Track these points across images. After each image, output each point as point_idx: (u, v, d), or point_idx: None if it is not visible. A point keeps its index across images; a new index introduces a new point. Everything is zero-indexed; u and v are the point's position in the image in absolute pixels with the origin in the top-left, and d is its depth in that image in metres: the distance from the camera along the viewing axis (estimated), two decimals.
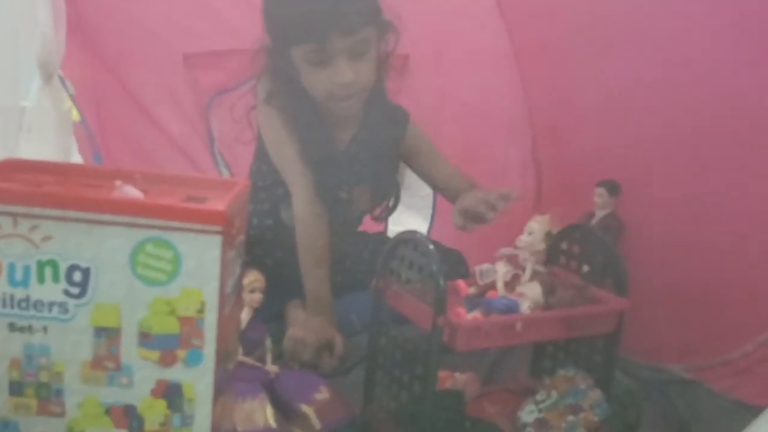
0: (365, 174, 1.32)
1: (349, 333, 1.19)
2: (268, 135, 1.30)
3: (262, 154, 1.32)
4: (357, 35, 1.15)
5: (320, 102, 1.23)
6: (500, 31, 1.55)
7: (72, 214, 0.67)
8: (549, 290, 0.90)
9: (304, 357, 1.11)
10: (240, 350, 0.96)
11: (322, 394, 0.98)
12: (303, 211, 1.23)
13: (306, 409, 0.95)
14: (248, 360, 1.00)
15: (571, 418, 0.88)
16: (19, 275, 0.68)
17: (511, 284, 0.94)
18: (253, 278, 1.00)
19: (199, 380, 0.71)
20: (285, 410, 0.95)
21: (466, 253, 1.45)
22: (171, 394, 0.71)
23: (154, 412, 0.71)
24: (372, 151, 1.31)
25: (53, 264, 0.68)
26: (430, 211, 1.80)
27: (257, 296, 1.01)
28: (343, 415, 0.95)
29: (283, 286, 1.25)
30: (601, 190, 1.34)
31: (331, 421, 0.93)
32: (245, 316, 1.00)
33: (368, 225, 1.49)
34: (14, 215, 0.67)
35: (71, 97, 1.58)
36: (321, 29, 1.14)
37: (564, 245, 1.00)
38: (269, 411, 0.92)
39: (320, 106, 1.25)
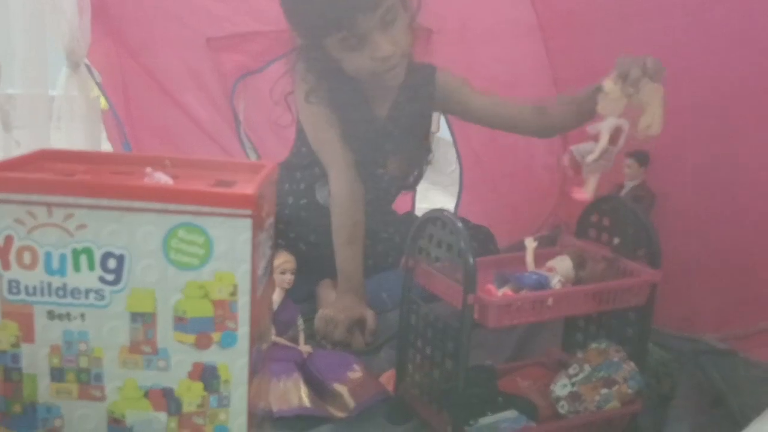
0: (401, 144, 1.33)
1: (380, 311, 1.20)
2: (308, 125, 1.31)
3: (302, 136, 1.34)
4: (382, 6, 1.14)
5: (363, 81, 1.23)
6: (524, 3, 1.53)
7: (105, 202, 0.68)
8: (579, 264, 0.90)
9: (335, 335, 1.12)
10: (273, 331, 0.97)
11: (356, 373, 0.99)
12: (342, 190, 1.24)
13: (339, 387, 0.96)
14: (281, 340, 1.01)
15: (604, 390, 0.88)
16: (55, 264, 0.69)
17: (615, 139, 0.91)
18: (284, 259, 1.01)
19: (234, 362, 0.72)
20: (318, 389, 0.97)
21: (493, 229, 1.44)
22: (207, 376, 0.72)
23: (192, 394, 0.72)
24: (407, 120, 1.32)
25: (88, 252, 0.69)
26: (456, 188, 1.79)
27: (288, 277, 1.02)
28: (376, 394, 0.96)
29: (314, 266, 1.27)
30: (630, 161, 1.33)
31: (364, 400, 0.94)
32: (277, 297, 1.01)
33: (396, 205, 1.49)
34: (49, 205, 0.68)
35: (98, 85, 1.60)
36: (345, 15, 1.13)
37: (594, 218, 0.99)
38: (304, 390, 0.94)
39: (360, 85, 1.25)
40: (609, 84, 0.92)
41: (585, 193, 0.91)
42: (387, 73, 1.21)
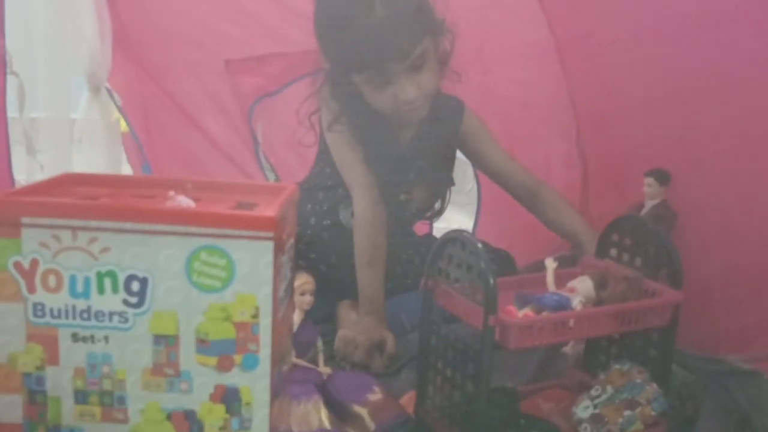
0: (425, 172, 1.33)
1: (400, 333, 1.20)
2: (333, 146, 1.31)
3: (325, 156, 1.34)
4: (413, 55, 1.14)
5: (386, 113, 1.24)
6: (541, 24, 1.53)
7: (129, 225, 0.69)
8: (601, 284, 0.89)
9: (355, 357, 1.12)
10: (293, 352, 0.97)
11: (376, 395, 0.98)
12: (365, 212, 1.24)
13: (359, 409, 0.96)
14: (301, 362, 1.01)
15: (627, 412, 0.87)
16: (80, 287, 0.70)
17: None
18: (303, 281, 1.01)
19: (255, 384, 0.72)
20: (338, 411, 0.96)
21: (512, 249, 1.44)
22: (229, 398, 0.72)
23: (214, 416, 0.72)
24: (432, 148, 1.32)
25: (112, 275, 0.70)
26: (474, 207, 1.79)
27: (307, 299, 1.02)
28: (397, 416, 0.95)
29: (334, 287, 1.27)
30: (650, 180, 1.32)
31: (384, 422, 0.94)
32: (296, 318, 1.01)
33: (416, 227, 1.49)
34: (73, 228, 0.69)
35: (119, 108, 1.62)
36: (374, 59, 1.14)
37: (614, 237, 0.99)
38: (324, 413, 0.93)
39: (384, 114, 1.25)
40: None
41: None
42: (409, 114, 1.22)
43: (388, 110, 1.22)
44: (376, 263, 1.21)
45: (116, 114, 1.65)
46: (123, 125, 1.68)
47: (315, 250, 1.31)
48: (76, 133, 1.61)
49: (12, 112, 1.22)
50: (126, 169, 1.72)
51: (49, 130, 1.49)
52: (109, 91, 1.62)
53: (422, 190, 1.36)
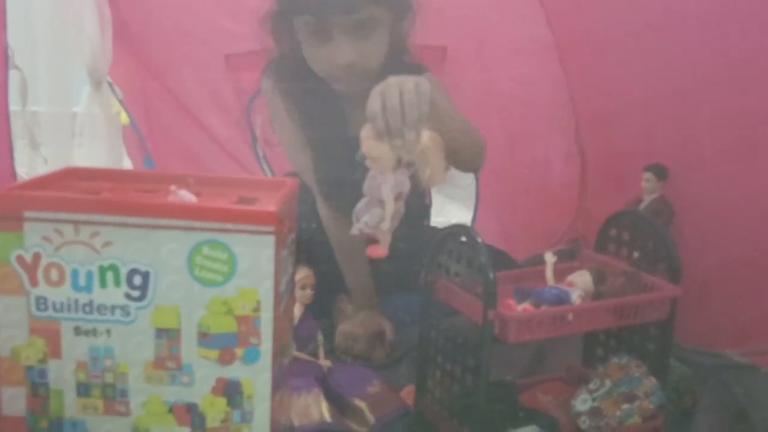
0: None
1: (400, 328, 1.20)
2: (283, 145, 1.25)
3: None
4: (359, 13, 1.07)
5: (341, 95, 1.16)
6: (541, 21, 1.54)
7: (131, 220, 0.69)
8: (599, 279, 0.90)
9: (356, 350, 1.12)
10: (294, 346, 0.98)
11: (375, 388, 0.99)
12: (323, 212, 1.22)
13: (359, 403, 0.97)
14: (302, 355, 1.02)
15: (626, 406, 0.88)
16: (82, 280, 0.71)
17: None
18: (304, 275, 1.02)
19: (257, 377, 0.73)
20: (339, 404, 0.97)
21: (510, 244, 1.45)
22: (231, 391, 0.73)
23: (215, 409, 0.73)
24: None
25: (114, 269, 0.70)
26: (473, 202, 1.80)
27: (308, 293, 1.03)
28: (396, 408, 0.96)
29: (332, 281, 1.27)
30: (648, 175, 1.32)
31: (384, 415, 0.95)
32: (297, 312, 1.02)
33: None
34: (76, 222, 0.69)
35: (120, 102, 1.63)
36: (318, 2, 1.06)
37: (613, 232, 0.99)
38: (324, 406, 0.94)
39: (331, 88, 1.17)
40: (369, 143, 0.81)
41: (382, 251, 0.84)
42: (342, 81, 1.13)
43: (321, 71, 1.14)
44: (353, 257, 1.20)
45: (117, 107, 1.65)
46: (124, 118, 1.68)
47: (308, 247, 1.30)
48: (77, 127, 1.61)
49: (14, 106, 1.22)
50: (126, 162, 1.73)
51: (50, 123, 1.50)
52: (110, 84, 1.62)
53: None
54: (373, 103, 0.81)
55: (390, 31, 1.14)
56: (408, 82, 0.81)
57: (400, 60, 1.19)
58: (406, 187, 0.83)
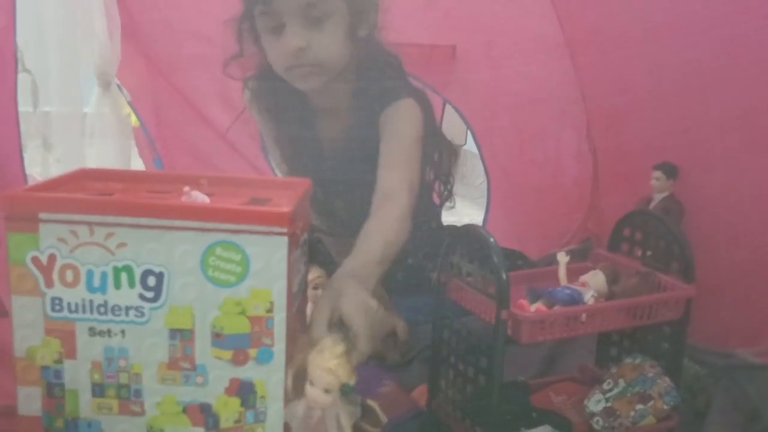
0: (347, 172, 1.21)
1: (413, 328, 1.20)
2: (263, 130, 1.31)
3: None
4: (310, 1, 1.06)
5: (287, 81, 1.15)
6: (551, 19, 1.53)
7: (145, 221, 0.69)
8: (612, 279, 0.89)
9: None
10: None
11: (387, 388, 0.99)
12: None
13: (372, 403, 0.96)
14: None
15: (640, 406, 0.88)
16: (96, 281, 0.71)
17: None
18: (316, 275, 1.02)
19: (270, 377, 0.73)
20: None
21: (522, 243, 1.44)
22: (244, 391, 0.73)
23: (229, 409, 0.73)
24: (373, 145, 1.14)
25: (128, 270, 0.70)
26: (485, 200, 1.79)
27: (320, 292, 1.02)
28: (409, 409, 0.96)
29: None
30: (658, 173, 1.32)
31: (396, 415, 0.94)
32: (309, 312, 1.02)
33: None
34: (90, 224, 0.70)
35: (129, 103, 1.63)
36: None
37: (626, 232, 0.99)
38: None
39: (303, 100, 1.19)
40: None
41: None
42: (298, 73, 1.12)
43: (279, 67, 1.13)
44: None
45: (127, 108, 1.66)
46: (133, 119, 1.69)
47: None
48: (87, 127, 1.62)
49: (25, 107, 1.23)
50: (136, 163, 1.73)
51: (61, 124, 1.51)
52: (119, 86, 1.63)
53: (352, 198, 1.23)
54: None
55: (349, 26, 1.12)
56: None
57: (374, 63, 1.18)
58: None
